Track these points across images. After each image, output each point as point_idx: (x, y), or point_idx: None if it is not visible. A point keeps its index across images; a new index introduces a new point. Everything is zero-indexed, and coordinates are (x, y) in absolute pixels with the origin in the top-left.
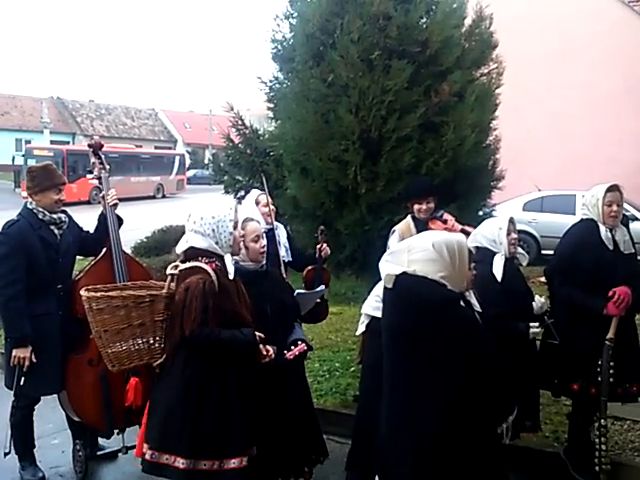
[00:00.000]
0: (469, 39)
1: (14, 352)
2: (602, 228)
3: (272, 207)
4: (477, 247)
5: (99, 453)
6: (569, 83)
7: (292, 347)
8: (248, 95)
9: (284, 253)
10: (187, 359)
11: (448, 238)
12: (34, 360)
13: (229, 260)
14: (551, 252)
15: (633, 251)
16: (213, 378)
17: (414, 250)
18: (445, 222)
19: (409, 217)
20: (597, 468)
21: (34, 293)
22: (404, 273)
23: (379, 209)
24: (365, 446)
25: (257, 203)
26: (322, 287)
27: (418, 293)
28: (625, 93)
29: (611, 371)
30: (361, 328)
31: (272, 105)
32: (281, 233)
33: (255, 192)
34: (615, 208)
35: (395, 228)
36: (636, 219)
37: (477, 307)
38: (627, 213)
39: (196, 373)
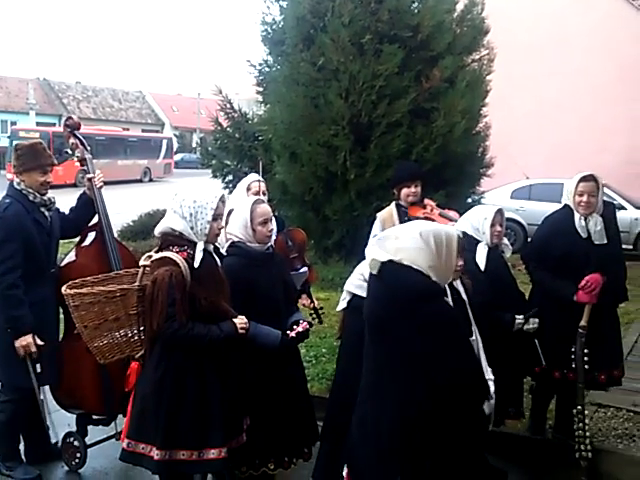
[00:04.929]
0: (460, 24)
1: (17, 343)
2: (577, 216)
3: (264, 197)
4: (464, 232)
5: (94, 441)
6: (560, 71)
7: (294, 327)
8: (237, 79)
9: (273, 244)
10: (162, 352)
11: (437, 228)
12: (40, 343)
13: (200, 248)
14: None
15: (605, 242)
16: (190, 371)
17: (401, 238)
18: (424, 207)
19: (393, 204)
20: (577, 455)
21: (31, 280)
22: (390, 261)
23: (368, 195)
24: (338, 420)
25: (248, 189)
26: (305, 269)
27: (400, 282)
28: (616, 82)
29: (585, 358)
30: (342, 304)
31: (261, 89)
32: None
33: (251, 177)
34: (585, 198)
35: (377, 215)
36: (622, 208)
37: (463, 295)
38: (614, 202)
39: (171, 366)
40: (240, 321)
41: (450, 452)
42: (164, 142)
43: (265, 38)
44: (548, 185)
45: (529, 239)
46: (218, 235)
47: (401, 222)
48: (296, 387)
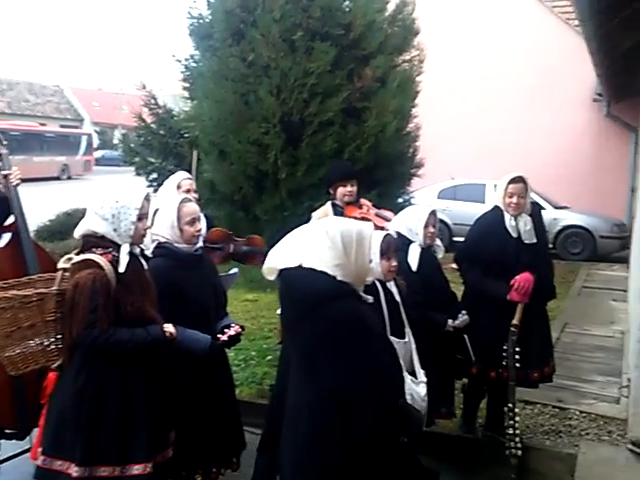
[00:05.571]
0: (392, 24)
1: None
2: (507, 216)
3: (195, 195)
4: (397, 233)
5: (6, 457)
6: (485, 75)
7: (225, 330)
8: (162, 74)
9: (201, 244)
10: (83, 361)
11: (346, 226)
12: None
13: (125, 251)
14: (462, 239)
15: (535, 241)
16: (113, 381)
17: (310, 237)
18: (360, 207)
19: (328, 204)
20: (507, 452)
21: None
22: (288, 267)
23: (299, 194)
24: (278, 429)
25: (179, 187)
26: (235, 270)
27: (298, 286)
28: (536, 86)
29: (517, 356)
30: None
31: (187, 84)
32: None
33: (180, 175)
34: (515, 200)
35: (313, 215)
36: (542, 208)
37: (397, 296)
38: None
39: (92, 375)
40: (167, 328)
41: (369, 459)
42: (83, 138)
43: (192, 32)
44: (472, 186)
45: (454, 239)
46: (144, 236)
47: None
48: (224, 395)
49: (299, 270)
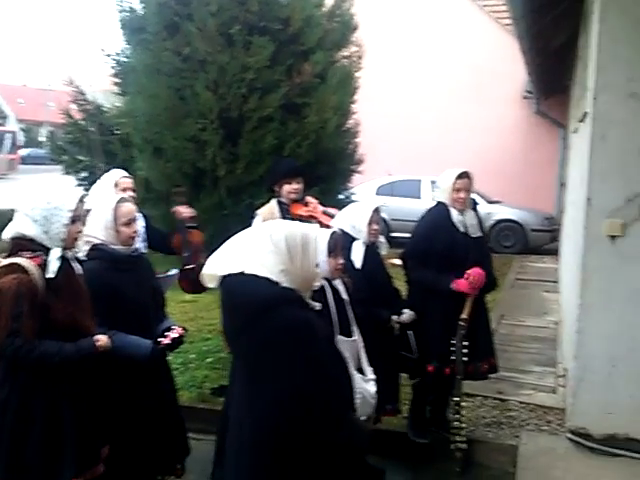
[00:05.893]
0: (330, 20)
1: None
2: (453, 211)
3: (133, 194)
4: (342, 230)
5: None
6: (420, 73)
7: (167, 333)
8: (91, 69)
9: (140, 245)
10: (7, 371)
11: (291, 230)
12: None
13: (54, 255)
14: (399, 234)
15: (480, 234)
16: (39, 392)
17: (253, 241)
18: (307, 205)
19: (274, 201)
20: (452, 446)
21: None
22: (230, 274)
23: (239, 192)
24: None
25: (116, 186)
26: (175, 271)
27: (240, 294)
28: (471, 85)
29: (464, 350)
30: None
31: (119, 80)
32: (138, 223)
33: (117, 173)
34: (462, 195)
35: (258, 212)
36: (476, 204)
37: (344, 295)
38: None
39: (16, 387)
40: (101, 340)
41: (317, 468)
42: (8, 136)
43: (124, 25)
44: (408, 182)
45: (392, 234)
46: (77, 240)
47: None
48: (165, 401)
49: (241, 277)
